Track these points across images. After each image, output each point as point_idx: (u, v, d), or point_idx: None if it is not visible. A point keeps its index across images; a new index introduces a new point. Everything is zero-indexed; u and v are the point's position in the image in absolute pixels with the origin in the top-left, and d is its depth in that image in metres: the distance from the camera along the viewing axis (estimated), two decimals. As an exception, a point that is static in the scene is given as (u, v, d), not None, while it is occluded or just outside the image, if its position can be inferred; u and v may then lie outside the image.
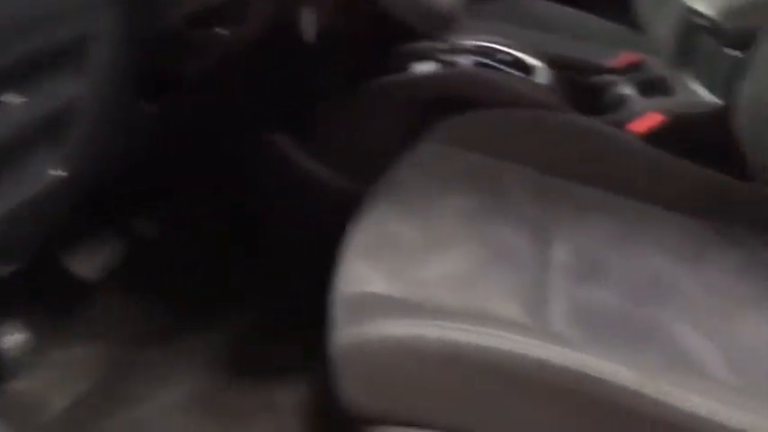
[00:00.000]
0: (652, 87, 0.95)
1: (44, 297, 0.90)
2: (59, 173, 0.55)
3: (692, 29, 0.91)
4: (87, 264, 0.94)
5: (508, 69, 0.98)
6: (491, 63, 0.97)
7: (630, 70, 1.02)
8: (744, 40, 0.79)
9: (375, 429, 0.51)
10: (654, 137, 0.83)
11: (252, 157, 0.99)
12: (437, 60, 0.98)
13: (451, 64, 0.97)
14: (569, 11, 1.38)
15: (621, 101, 0.94)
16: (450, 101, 0.89)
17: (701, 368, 0.51)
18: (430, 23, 0.72)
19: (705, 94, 0.91)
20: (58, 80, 0.47)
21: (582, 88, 1.01)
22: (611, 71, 1.04)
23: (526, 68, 0.99)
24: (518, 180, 0.75)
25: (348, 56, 0.97)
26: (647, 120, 0.86)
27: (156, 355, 0.94)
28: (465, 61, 0.98)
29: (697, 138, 0.83)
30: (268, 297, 1.02)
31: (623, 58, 1.05)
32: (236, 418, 0.89)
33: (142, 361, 0.93)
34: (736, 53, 0.81)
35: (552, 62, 1.01)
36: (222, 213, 1.04)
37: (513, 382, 0.44)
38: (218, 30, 0.59)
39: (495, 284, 0.57)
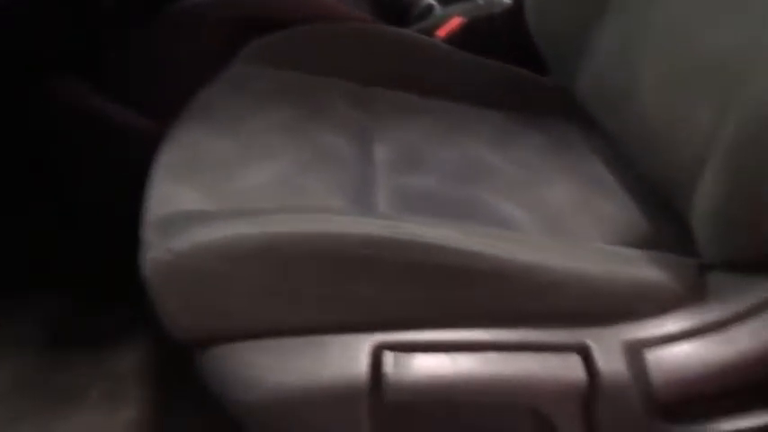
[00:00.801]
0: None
1: None
2: None
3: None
4: None
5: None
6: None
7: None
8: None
9: (209, 351, 0.47)
10: (457, 40, 0.87)
11: (37, 107, 0.87)
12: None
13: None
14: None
15: (428, 10, 0.96)
16: (261, 20, 0.85)
17: (518, 229, 0.55)
18: None
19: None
20: None
21: (390, 1, 1.02)
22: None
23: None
24: (335, 92, 0.74)
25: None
26: (449, 24, 0.89)
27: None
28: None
29: (496, 37, 0.88)
30: (85, 263, 0.92)
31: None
32: (68, 395, 0.80)
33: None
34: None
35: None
36: (20, 178, 0.91)
37: (341, 262, 0.43)
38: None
39: (318, 184, 0.55)
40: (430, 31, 0.90)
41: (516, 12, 0.84)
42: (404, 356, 0.46)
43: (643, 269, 0.49)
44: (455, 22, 0.89)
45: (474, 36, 0.89)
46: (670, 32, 0.58)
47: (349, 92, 0.74)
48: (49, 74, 0.87)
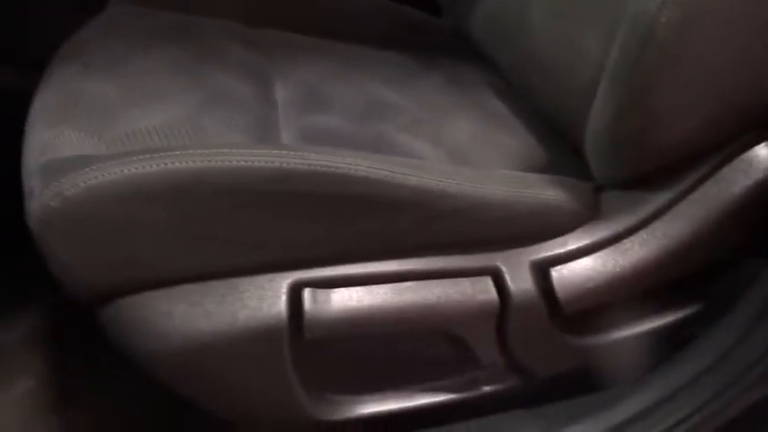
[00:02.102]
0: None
1: None
2: None
3: None
4: None
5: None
6: None
7: None
8: None
9: (113, 304, 0.44)
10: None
11: None
12: None
13: None
14: None
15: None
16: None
17: (419, 158, 0.55)
18: None
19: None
20: None
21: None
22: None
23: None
24: (224, 32, 0.70)
25: None
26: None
27: None
28: None
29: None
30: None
31: None
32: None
33: None
34: None
35: None
36: None
37: (250, 198, 0.41)
38: None
39: (217, 125, 0.52)
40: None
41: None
42: (321, 292, 0.45)
43: (544, 192, 0.51)
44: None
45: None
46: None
47: (237, 33, 0.70)
48: None
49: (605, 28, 0.51)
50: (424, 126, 0.62)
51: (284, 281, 0.44)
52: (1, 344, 0.72)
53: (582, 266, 0.50)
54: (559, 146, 0.61)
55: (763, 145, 0.50)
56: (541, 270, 0.50)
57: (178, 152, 0.40)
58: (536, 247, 0.50)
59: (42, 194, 0.41)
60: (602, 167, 0.53)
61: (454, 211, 0.47)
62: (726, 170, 0.51)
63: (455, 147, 0.60)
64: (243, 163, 0.40)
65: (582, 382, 0.55)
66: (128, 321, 0.43)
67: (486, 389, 0.53)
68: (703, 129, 0.50)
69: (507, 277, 0.49)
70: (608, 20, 0.50)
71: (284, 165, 0.41)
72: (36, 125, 0.50)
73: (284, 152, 0.41)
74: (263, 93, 0.60)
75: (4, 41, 0.81)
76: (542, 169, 0.57)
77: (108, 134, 0.49)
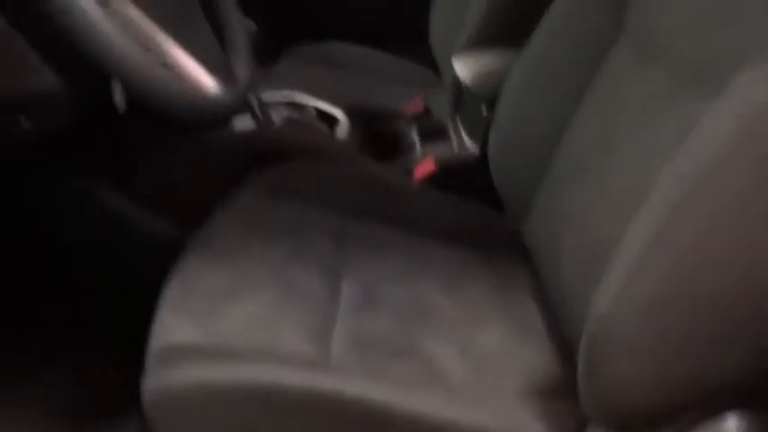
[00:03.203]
0: (433, 134, 1.14)
1: None
2: None
3: (462, 86, 1.11)
4: None
5: (315, 122, 1.12)
6: (299, 119, 1.10)
7: (419, 117, 1.21)
8: (492, 100, 0.99)
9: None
10: (430, 179, 1.01)
11: (63, 201, 1.01)
12: (254, 115, 1.09)
13: (267, 119, 1.09)
14: (377, 53, 1.56)
15: (410, 147, 1.12)
16: (264, 154, 1.01)
17: (442, 373, 0.67)
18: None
19: (469, 142, 1.11)
20: None
21: (378, 133, 1.18)
22: (404, 117, 1.22)
23: (330, 119, 1.14)
24: (319, 226, 0.88)
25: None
26: (425, 165, 1.04)
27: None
28: (277, 116, 1.10)
29: (464, 178, 1.03)
30: (86, 347, 1.05)
31: (414, 104, 1.24)
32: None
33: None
34: (488, 110, 1.01)
35: (353, 112, 1.17)
36: (37, 263, 1.06)
37: (283, 410, 0.56)
38: (22, 119, 0.65)
39: (287, 323, 0.69)
40: (408, 169, 1.05)
41: (482, 158, 0.99)
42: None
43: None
44: (430, 163, 1.05)
45: (445, 176, 1.04)
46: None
47: (330, 226, 0.89)
48: (84, 176, 1.03)
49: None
50: (459, 332, 0.74)
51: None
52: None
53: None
54: (571, 366, 0.71)
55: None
56: None
57: (251, 366, 0.57)
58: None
59: (152, 378, 0.59)
60: (588, 400, 0.62)
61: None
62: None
63: (479, 355, 0.71)
64: (281, 380, 0.56)
65: None
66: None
67: None
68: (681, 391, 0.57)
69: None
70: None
71: (313, 385, 0.56)
72: (164, 306, 0.70)
73: (315, 374, 0.56)
74: (331, 291, 0.76)
75: (161, 200, 1.07)
76: (548, 390, 0.67)
77: (208, 326, 0.67)
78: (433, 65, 1.38)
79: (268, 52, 1.48)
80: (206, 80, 0.64)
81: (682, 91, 0.64)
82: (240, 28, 0.77)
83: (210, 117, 0.65)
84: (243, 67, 0.75)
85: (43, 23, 0.51)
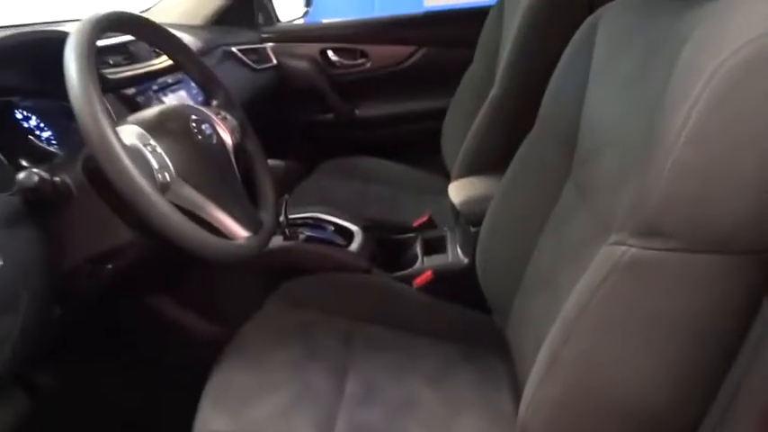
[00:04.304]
0: (433, 245, 1.34)
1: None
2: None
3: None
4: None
5: (333, 237, 1.34)
6: (320, 236, 1.33)
7: (423, 227, 1.42)
8: (478, 219, 1.18)
9: None
10: (429, 287, 1.20)
11: (136, 314, 1.26)
12: (283, 234, 1.32)
13: (293, 236, 1.32)
14: (397, 166, 1.80)
15: (413, 258, 1.32)
16: (290, 267, 1.23)
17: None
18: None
19: (461, 255, 1.30)
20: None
21: (388, 246, 1.39)
22: (411, 230, 1.43)
23: (347, 234, 1.36)
24: (331, 330, 1.08)
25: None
26: (424, 276, 1.23)
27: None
28: (302, 234, 1.33)
29: (456, 285, 1.21)
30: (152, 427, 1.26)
31: (421, 218, 1.45)
32: None
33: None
34: (474, 228, 1.21)
35: (366, 226, 1.39)
36: (115, 365, 1.29)
37: None
38: (108, 266, 0.88)
39: (300, 416, 0.88)
40: (410, 279, 1.25)
41: (472, 268, 1.17)
42: None
43: None
44: (428, 274, 1.24)
45: (441, 284, 1.23)
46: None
47: (340, 329, 1.08)
48: (147, 292, 1.27)
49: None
50: (439, 421, 0.91)
51: None
52: None
53: None
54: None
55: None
56: None
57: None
58: None
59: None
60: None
61: None
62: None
63: (453, 444, 0.88)
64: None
65: None
66: None
67: None
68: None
69: None
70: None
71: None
72: (205, 400, 0.90)
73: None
74: (338, 387, 0.95)
75: (207, 308, 1.29)
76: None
77: (241, 416, 0.87)
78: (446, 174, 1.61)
79: (301, 174, 1.75)
80: (239, 231, 0.87)
81: (597, 236, 0.82)
82: (268, 183, 1.00)
83: (243, 257, 0.86)
84: (269, 216, 0.98)
85: (126, 206, 0.74)
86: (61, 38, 0.92)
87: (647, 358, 0.63)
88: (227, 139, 0.92)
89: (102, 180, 0.79)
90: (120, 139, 0.70)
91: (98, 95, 0.70)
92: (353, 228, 1.36)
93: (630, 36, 0.79)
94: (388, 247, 1.39)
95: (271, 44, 1.91)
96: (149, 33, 0.91)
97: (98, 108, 0.69)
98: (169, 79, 1.29)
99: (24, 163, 0.96)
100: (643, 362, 0.63)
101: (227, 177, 0.89)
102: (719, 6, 0.62)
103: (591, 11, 0.96)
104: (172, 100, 1.23)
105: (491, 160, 1.27)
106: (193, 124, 0.86)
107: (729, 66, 0.54)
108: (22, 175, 0.76)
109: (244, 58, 1.74)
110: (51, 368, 1.27)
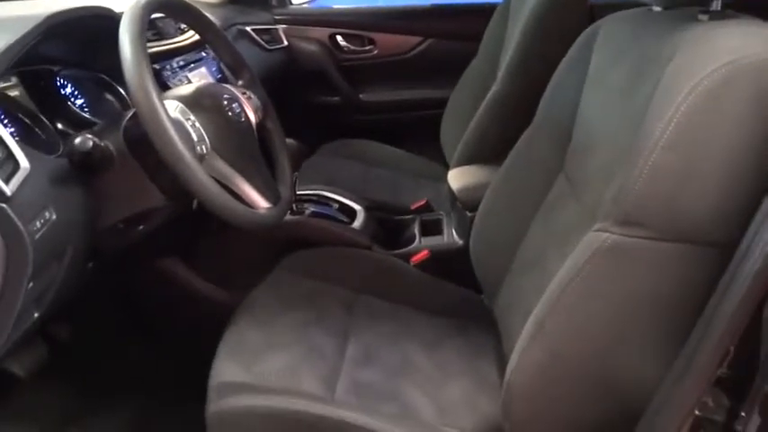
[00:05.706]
0: (430, 227, 1.44)
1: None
2: (36, 315, 0.89)
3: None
4: (20, 363, 1.24)
5: (337, 214, 1.43)
6: (325, 212, 1.42)
7: (421, 210, 1.51)
8: (474, 205, 1.28)
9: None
10: (424, 265, 1.30)
11: (152, 276, 1.34)
12: (290, 209, 1.40)
13: (300, 211, 1.41)
14: (398, 152, 1.88)
15: (411, 237, 1.41)
16: (296, 240, 1.32)
17: (416, 414, 0.94)
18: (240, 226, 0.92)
19: (456, 237, 1.40)
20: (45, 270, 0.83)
21: (388, 226, 1.48)
22: (409, 211, 1.52)
23: (351, 212, 1.45)
24: (335, 298, 1.18)
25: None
26: (421, 254, 1.33)
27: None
28: (308, 209, 1.42)
29: (450, 265, 1.31)
30: (161, 379, 1.36)
31: (419, 202, 1.55)
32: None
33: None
34: (470, 213, 1.30)
35: (369, 206, 1.48)
36: (125, 320, 1.38)
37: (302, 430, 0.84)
38: (139, 228, 0.97)
39: (306, 371, 0.98)
40: (407, 257, 1.34)
41: (466, 250, 1.27)
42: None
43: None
44: (425, 253, 1.34)
45: (436, 263, 1.33)
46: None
47: (345, 298, 1.18)
48: (165, 255, 1.35)
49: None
50: (432, 384, 1.01)
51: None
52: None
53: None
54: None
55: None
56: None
57: (281, 398, 0.85)
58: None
59: (210, 407, 0.88)
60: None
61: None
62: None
63: (445, 406, 0.98)
64: (307, 410, 0.84)
65: None
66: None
67: None
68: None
69: None
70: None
71: (324, 414, 0.84)
72: (219, 357, 0.99)
73: (326, 407, 0.85)
74: (340, 349, 1.05)
75: (220, 274, 1.38)
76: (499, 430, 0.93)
77: (252, 369, 0.96)
78: (444, 162, 1.70)
79: (306, 153, 1.83)
80: (262, 202, 0.96)
81: (583, 223, 0.92)
82: (286, 160, 1.09)
83: (265, 226, 0.95)
84: (286, 190, 1.07)
85: (163, 168, 0.82)
86: (109, 15, 1.00)
87: (619, 330, 0.74)
88: (252, 117, 1.01)
89: (141, 147, 0.88)
90: (167, 113, 0.79)
91: (149, 72, 0.78)
92: (357, 207, 1.45)
93: (625, 49, 0.88)
94: (388, 227, 1.48)
95: (283, 26, 1.98)
96: (189, 17, 0.99)
97: (150, 84, 0.77)
98: (190, 56, 1.37)
99: (60, 126, 1.04)
100: (615, 333, 0.74)
101: (253, 153, 0.97)
102: (700, 30, 0.72)
103: (591, 20, 1.05)
104: (194, 77, 1.31)
105: (489, 151, 1.36)
106: (225, 102, 0.94)
107: (704, 86, 0.64)
108: (78, 140, 0.84)
109: (257, 37, 1.81)
110: (69, 322, 1.35)
